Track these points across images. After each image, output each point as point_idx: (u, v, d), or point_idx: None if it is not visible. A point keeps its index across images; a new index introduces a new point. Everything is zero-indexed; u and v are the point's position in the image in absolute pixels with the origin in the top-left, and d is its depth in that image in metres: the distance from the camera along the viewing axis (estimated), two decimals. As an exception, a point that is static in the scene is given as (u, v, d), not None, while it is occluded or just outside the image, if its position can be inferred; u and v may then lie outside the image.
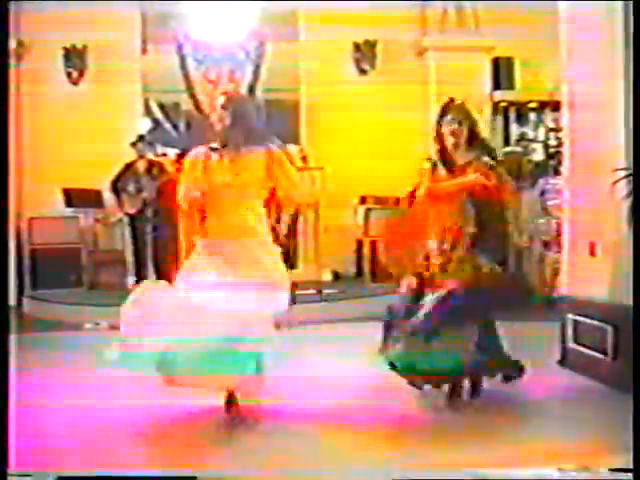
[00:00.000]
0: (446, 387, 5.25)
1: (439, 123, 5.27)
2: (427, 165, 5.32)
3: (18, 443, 3.91)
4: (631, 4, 5.21)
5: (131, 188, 9.93)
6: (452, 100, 5.32)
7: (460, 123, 5.21)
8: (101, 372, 5.24)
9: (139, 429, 4.78)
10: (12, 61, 10.70)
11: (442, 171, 5.24)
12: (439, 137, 5.27)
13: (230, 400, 4.99)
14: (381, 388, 5.46)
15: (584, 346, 5.90)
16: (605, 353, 5.56)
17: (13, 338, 8.17)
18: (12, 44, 10.64)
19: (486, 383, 5.32)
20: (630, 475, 3.50)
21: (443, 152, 5.26)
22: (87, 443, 4.50)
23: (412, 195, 5.38)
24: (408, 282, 5.23)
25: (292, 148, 11.00)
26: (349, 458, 4.30)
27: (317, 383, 5.58)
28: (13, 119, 10.59)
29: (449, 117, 5.22)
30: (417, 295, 5.17)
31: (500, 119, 11.62)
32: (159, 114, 11.38)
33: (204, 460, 4.25)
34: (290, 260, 10.60)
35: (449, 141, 5.22)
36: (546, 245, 9.58)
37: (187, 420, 4.98)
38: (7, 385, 3.68)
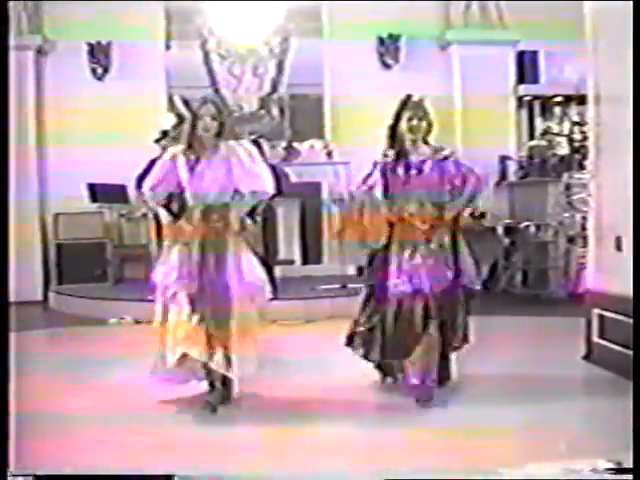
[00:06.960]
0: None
1: (397, 119, 5.24)
2: (383, 159, 5.28)
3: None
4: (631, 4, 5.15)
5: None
6: (410, 96, 5.27)
7: (420, 119, 5.20)
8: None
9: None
10: (36, 57, 10.84)
11: (400, 169, 5.21)
12: (397, 134, 5.25)
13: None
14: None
15: (610, 341, 5.88)
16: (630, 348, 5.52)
17: (40, 332, 8.32)
18: (37, 40, 10.74)
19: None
20: (630, 475, 3.48)
21: (400, 150, 5.23)
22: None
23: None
24: None
25: (317, 143, 11.06)
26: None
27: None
28: (34, 114, 10.72)
29: (408, 114, 5.20)
30: None
31: (524, 113, 11.55)
32: (183, 110, 11.37)
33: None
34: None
35: (408, 137, 5.20)
36: (571, 240, 9.54)
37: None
38: (7, 385, 3.67)
